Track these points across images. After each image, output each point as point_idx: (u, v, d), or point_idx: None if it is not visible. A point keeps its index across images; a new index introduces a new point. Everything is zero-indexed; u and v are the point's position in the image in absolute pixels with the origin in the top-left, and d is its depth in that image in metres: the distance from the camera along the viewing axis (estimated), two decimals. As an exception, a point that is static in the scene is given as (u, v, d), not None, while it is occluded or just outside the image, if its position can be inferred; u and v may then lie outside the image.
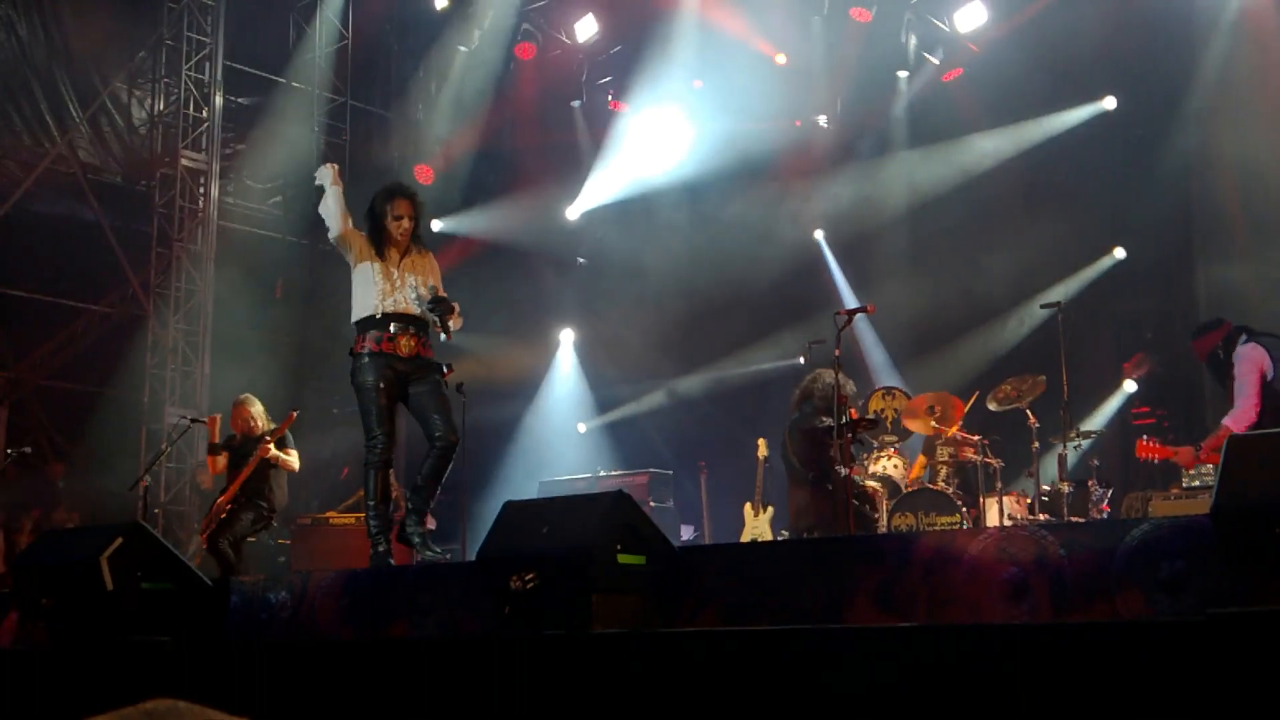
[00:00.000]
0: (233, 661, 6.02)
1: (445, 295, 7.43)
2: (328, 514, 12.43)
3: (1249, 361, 7.97)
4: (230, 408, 10.18)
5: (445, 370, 7.49)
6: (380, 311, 7.40)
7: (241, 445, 9.92)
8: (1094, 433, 11.24)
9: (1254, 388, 7.85)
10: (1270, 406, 7.80)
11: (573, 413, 15.80)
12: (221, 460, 9.87)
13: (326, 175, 7.63)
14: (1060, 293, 12.25)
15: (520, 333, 15.09)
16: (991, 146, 13.84)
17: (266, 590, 7.25)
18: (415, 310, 7.42)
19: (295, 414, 10.02)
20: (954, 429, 11.03)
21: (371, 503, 7.50)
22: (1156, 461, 8.90)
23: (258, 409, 10.05)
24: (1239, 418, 7.87)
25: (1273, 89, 12.08)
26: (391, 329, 7.37)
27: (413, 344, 7.38)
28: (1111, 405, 12.93)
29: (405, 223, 7.49)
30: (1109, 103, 13.45)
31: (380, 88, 16.06)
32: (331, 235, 7.57)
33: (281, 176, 15.33)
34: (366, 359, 7.37)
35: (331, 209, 7.54)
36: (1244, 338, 8.12)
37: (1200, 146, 12.63)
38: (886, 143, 14.76)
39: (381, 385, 7.36)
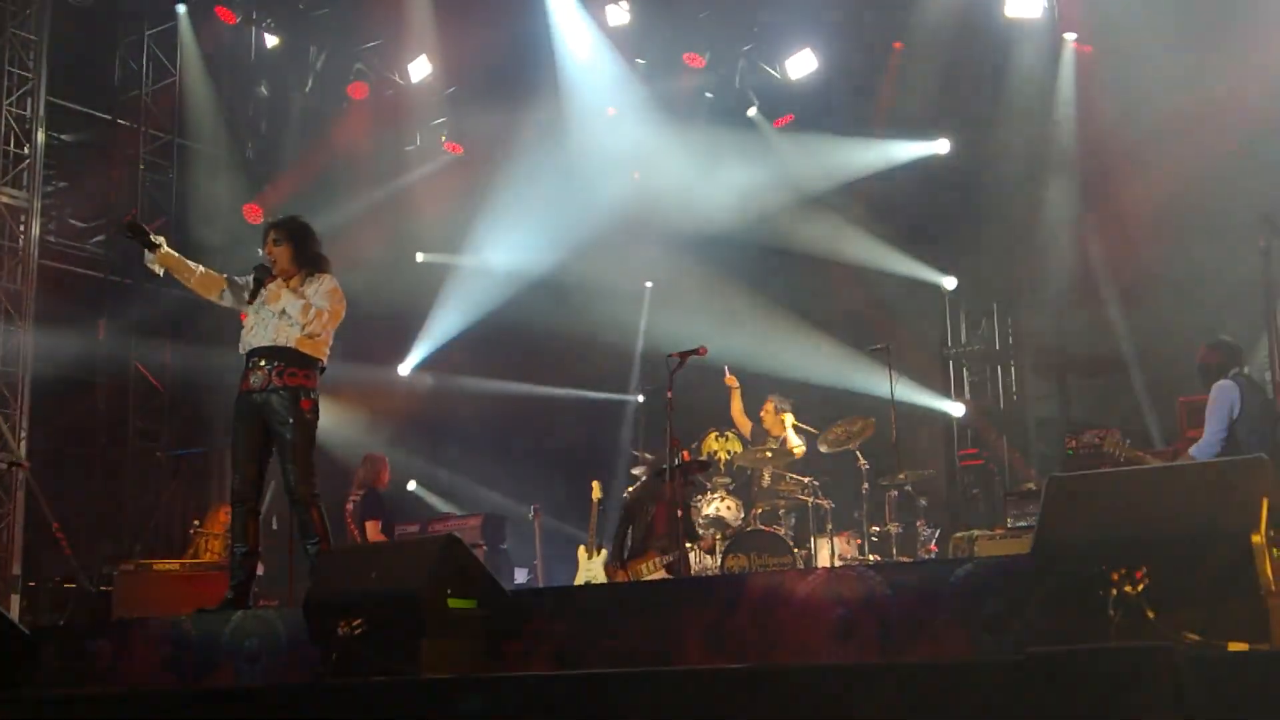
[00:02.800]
0: (42, 713, 5.77)
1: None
2: (150, 560, 12.02)
3: (1220, 396, 8.34)
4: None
5: (304, 401, 7.21)
6: (243, 350, 7.36)
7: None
8: (922, 473, 11.47)
9: (1219, 422, 8.24)
10: (1231, 437, 8.22)
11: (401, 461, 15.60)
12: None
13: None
14: (889, 334, 12.53)
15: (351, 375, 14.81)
16: (825, 188, 14.10)
17: (86, 638, 6.99)
18: (272, 341, 7.22)
19: None
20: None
21: (227, 541, 7.37)
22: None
23: None
24: (1202, 448, 8.33)
25: (1095, 141, 12.58)
26: (248, 364, 7.29)
27: (264, 377, 7.21)
28: (939, 445, 13.25)
29: (274, 251, 7.39)
30: (941, 145, 13.85)
31: (208, 126, 15.70)
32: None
33: (106, 215, 14.87)
34: (236, 399, 7.36)
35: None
36: (1235, 371, 8.47)
37: (1032, 193, 13.09)
38: (721, 189, 14.94)
39: (237, 425, 7.30)
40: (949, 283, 13.82)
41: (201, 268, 7.58)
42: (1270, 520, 4.16)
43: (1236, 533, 4.12)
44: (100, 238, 14.99)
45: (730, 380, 12.03)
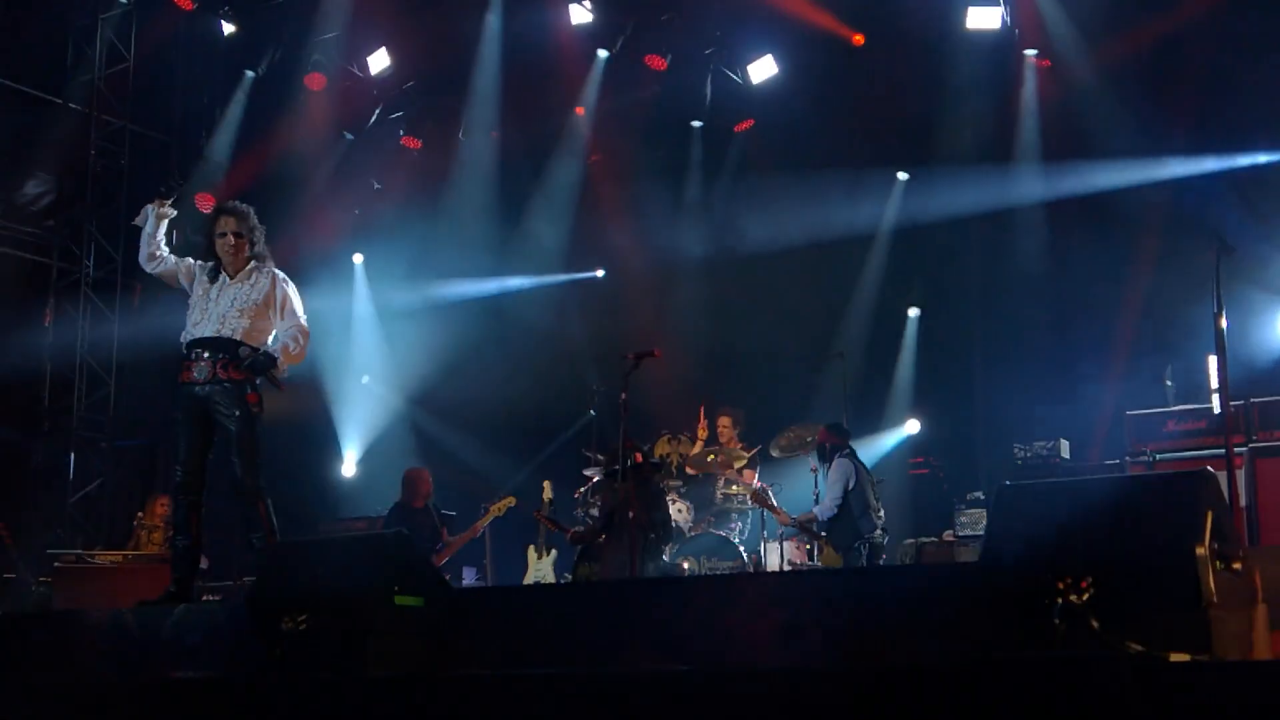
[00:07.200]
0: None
1: (263, 351, 7.18)
2: (92, 552, 11.88)
3: (839, 471, 10.55)
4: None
5: (250, 394, 7.14)
6: (185, 341, 7.25)
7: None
8: (874, 481, 11.52)
9: (838, 492, 10.45)
10: (845, 506, 10.43)
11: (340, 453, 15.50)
12: None
13: (148, 215, 7.45)
14: (846, 343, 12.57)
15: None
16: (789, 201, 14.10)
17: (26, 630, 6.91)
18: (217, 333, 7.15)
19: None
20: (731, 471, 11.27)
21: (169, 533, 7.29)
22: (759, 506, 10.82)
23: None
24: (824, 509, 10.52)
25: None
26: (190, 356, 7.17)
27: (208, 369, 7.13)
28: (892, 452, 13.32)
29: (229, 240, 7.29)
30: (901, 175, 14.02)
31: (162, 113, 15.53)
32: (149, 269, 7.45)
33: (56, 200, 14.70)
34: (176, 392, 7.24)
35: (141, 246, 7.43)
36: (845, 451, 10.68)
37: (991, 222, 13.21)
38: (682, 188, 15.01)
39: (179, 417, 7.19)
40: (913, 313, 13.98)
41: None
42: (1213, 533, 4.20)
43: (1180, 544, 4.16)
44: (50, 222, 14.82)
45: (701, 432, 11.96)
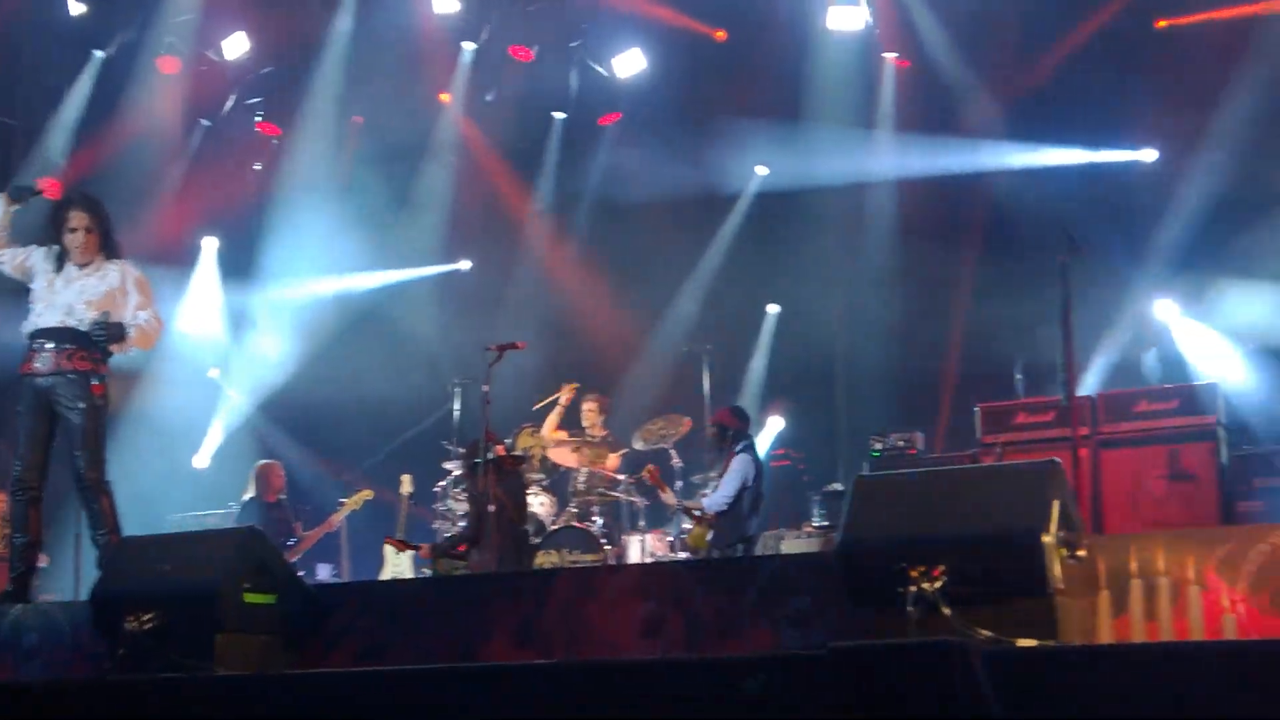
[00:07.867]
0: None
1: (111, 321, 6.95)
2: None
3: (739, 467, 10.22)
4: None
5: (94, 386, 6.91)
6: (28, 331, 7.01)
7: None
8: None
9: (734, 488, 10.13)
10: (737, 504, 10.15)
11: (193, 446, 15.10)
12: None
13: None
14: (706, 339, 12.63)
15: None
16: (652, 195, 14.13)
17: None
18: (62, 323, 6.93)
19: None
20: (601, 465, 11.25)
21: (5, 531, 7.06)
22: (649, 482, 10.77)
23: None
24: (715, 502, 10.24)
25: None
26: (33, 346, 6.94)
27: (52, 359, 6.89)
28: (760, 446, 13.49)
29: (80, 235, 7.04)
30: (760, 170, 14.27)
31: (5, 95, 14.93)
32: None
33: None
34: (17, 383, 7.00)
35: None
36: (745, 445, 10.41)
37: (847, 218, 13.46)
38: (546, 181, 15.01)
39: (20, 409, 6.96)
40: (773, 309, 14.20)
41: None
42: (1060, 522, 4.30)
43: (1028, 533, 4.25)
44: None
45: (567, 395, 11.75)
